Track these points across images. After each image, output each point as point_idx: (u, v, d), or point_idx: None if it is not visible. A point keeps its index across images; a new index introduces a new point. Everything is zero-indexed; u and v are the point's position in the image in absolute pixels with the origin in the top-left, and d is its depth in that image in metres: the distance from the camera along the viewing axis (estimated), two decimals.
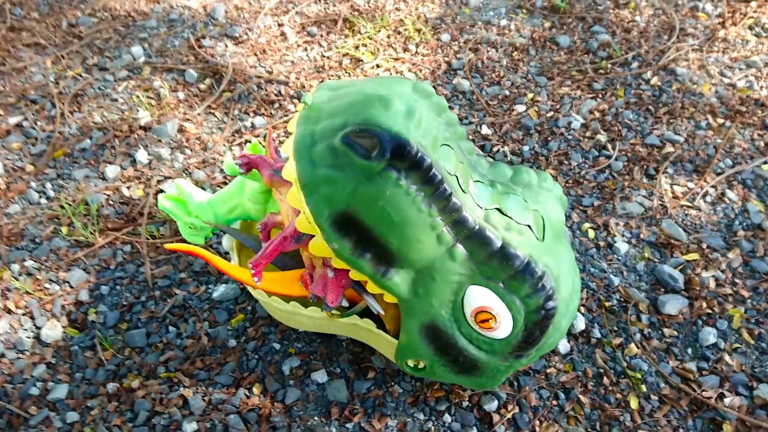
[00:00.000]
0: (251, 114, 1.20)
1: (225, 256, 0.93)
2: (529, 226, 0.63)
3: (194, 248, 0.72)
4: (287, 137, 1.15)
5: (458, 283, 0.62)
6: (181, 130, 1.16)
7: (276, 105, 1.22)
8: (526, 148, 1.11)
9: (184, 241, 0.95)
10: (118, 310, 0.88)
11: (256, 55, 1.33)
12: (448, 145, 0.61)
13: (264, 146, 0.78)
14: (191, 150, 1.12)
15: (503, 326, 0.63)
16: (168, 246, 0.71)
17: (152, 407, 0.78)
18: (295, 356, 0.83)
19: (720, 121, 1.16)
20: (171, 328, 0.86)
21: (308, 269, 0.71)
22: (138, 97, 1.21)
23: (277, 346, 0.84)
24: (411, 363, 0.70)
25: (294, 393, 0.79)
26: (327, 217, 0.58)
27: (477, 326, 0.64)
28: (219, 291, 0.90)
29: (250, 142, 1.14)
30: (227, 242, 0.81)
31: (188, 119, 1.18)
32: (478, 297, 0.62)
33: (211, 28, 1.42)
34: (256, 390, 0.79)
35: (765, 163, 1.08)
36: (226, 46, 1.35)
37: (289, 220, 0.67)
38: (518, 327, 0.63)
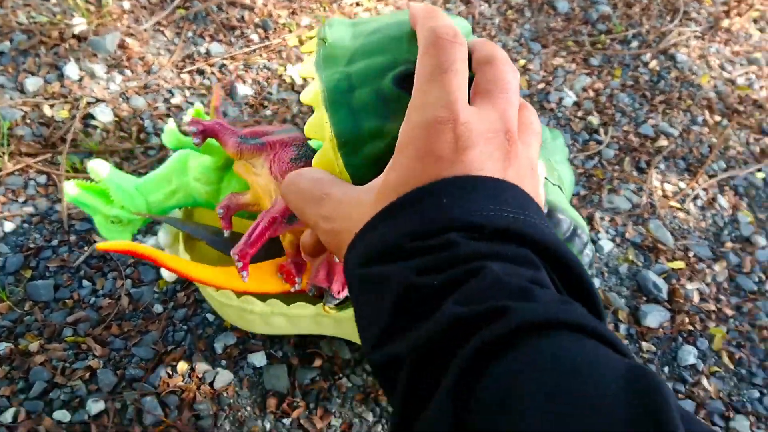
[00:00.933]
0: (207, 39, 1.04)
1: None
2: (559, 187, 0.53)
3: (136, 246, 0.55)
4: (247, 72, 1.00)
5: None
6: (122, 45, 0.99)
7: (237, 32, 1.06)
8: None
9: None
10: (23, 254, 0.74)
11: None
12: None
13: (207, 112, 0.63)
14: (132, 71, 0.96)
15: None
16: (100, 246, 0.53)
17: (51, 377, 0.65)
18: (231, 332, 0.71)
19: (717, 118, 1.08)
20: (85, 283, 0.73)
21: (291, 257, 0.59)
22: None
23: (210, 317, 0.72)
24: None
25: (225, 376, 0.68)
26: None
27: None
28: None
29: (203, 73, 0.98)
30: (164, 237, 0.65)
31: (132, 34, 1.01)
32: None
33: None
34: (180, 368, 0.67)
35: (759, 170, 1.01)
36: None
37: (271, 198, 0.54)
38: None
